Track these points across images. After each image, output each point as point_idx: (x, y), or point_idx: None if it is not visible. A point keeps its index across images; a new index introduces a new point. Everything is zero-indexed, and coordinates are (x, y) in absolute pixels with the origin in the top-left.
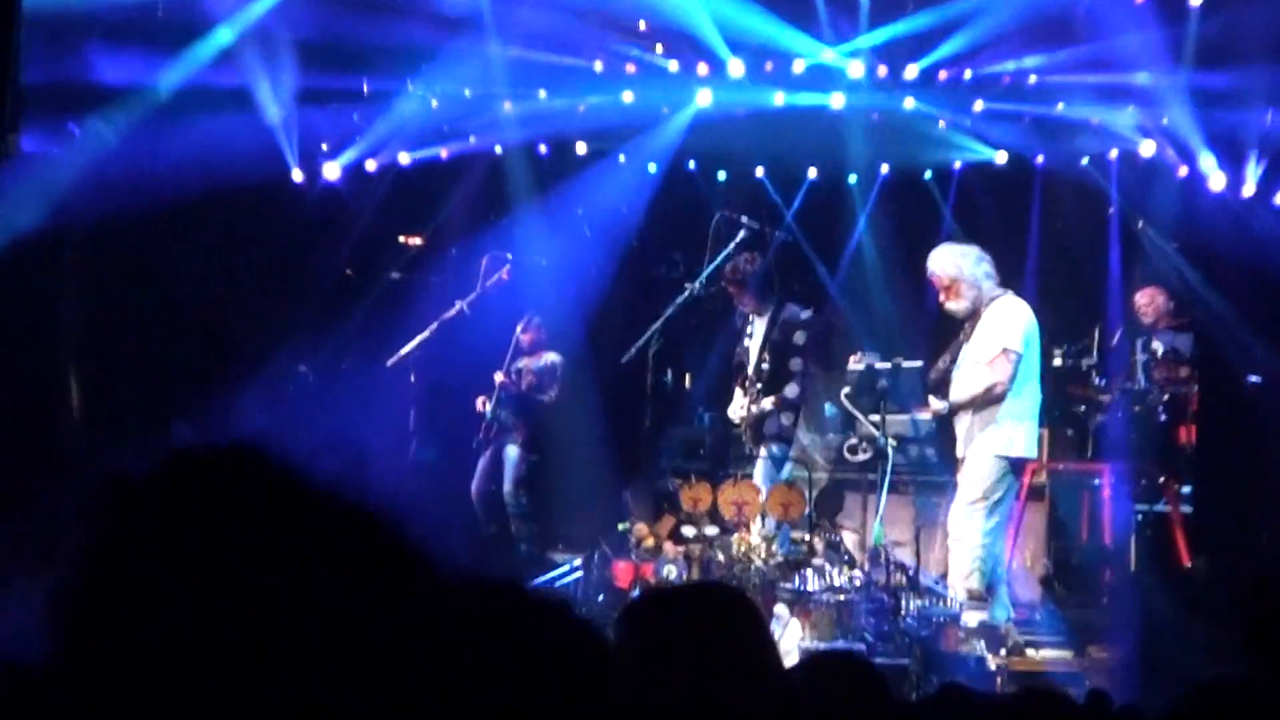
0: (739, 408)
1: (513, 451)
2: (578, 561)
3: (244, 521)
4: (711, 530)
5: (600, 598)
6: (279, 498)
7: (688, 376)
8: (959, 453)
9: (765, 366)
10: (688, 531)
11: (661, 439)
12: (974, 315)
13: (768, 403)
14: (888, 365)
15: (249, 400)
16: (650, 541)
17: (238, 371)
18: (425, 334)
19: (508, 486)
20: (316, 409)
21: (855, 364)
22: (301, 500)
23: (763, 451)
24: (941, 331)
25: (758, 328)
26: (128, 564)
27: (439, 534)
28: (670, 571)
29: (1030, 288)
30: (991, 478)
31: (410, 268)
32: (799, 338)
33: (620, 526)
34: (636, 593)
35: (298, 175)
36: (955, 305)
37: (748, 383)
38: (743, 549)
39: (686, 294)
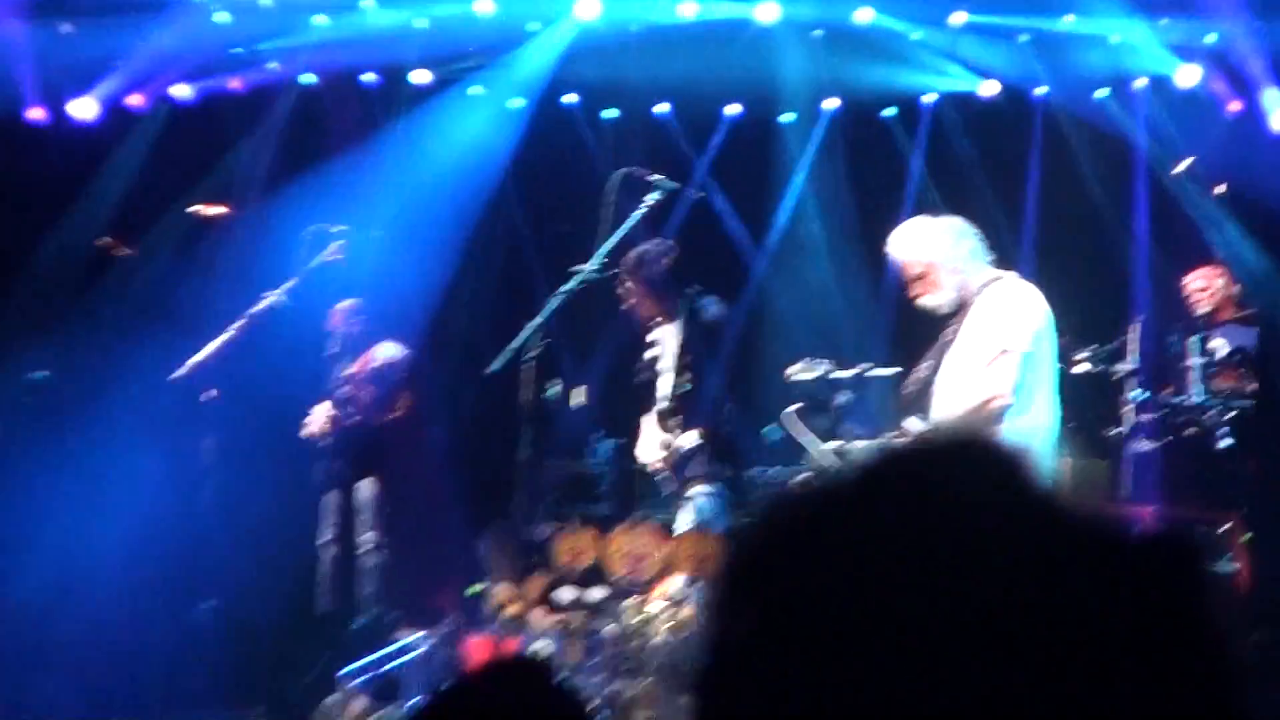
0: (652, 446)
1: (367, 490)
2: (416, 636)
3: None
4: (597, 593)
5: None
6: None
7: (577, 392)
8: None
9: (686, 389)
10: (564, 595)
11: (541, 474)
12: (962, 308)
13: (691, 437)
14: (847, 374)
15: None
16: (514, 608)
17: None
18: (227, 335)
19: (367, 536)
20: (69, 435)
21: (800, 373)
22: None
23: (690, 497)
24: (916, 328)
25: (666, 338)
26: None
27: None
28: (543, 648)
29: (1028, 266)
30: None
31: (194, 244)
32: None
33: (471, 590)
34: None
35: (36, 113)
36: (933, 299)
37: (663, 414)
38: (639, 618)
39: (576, 280)
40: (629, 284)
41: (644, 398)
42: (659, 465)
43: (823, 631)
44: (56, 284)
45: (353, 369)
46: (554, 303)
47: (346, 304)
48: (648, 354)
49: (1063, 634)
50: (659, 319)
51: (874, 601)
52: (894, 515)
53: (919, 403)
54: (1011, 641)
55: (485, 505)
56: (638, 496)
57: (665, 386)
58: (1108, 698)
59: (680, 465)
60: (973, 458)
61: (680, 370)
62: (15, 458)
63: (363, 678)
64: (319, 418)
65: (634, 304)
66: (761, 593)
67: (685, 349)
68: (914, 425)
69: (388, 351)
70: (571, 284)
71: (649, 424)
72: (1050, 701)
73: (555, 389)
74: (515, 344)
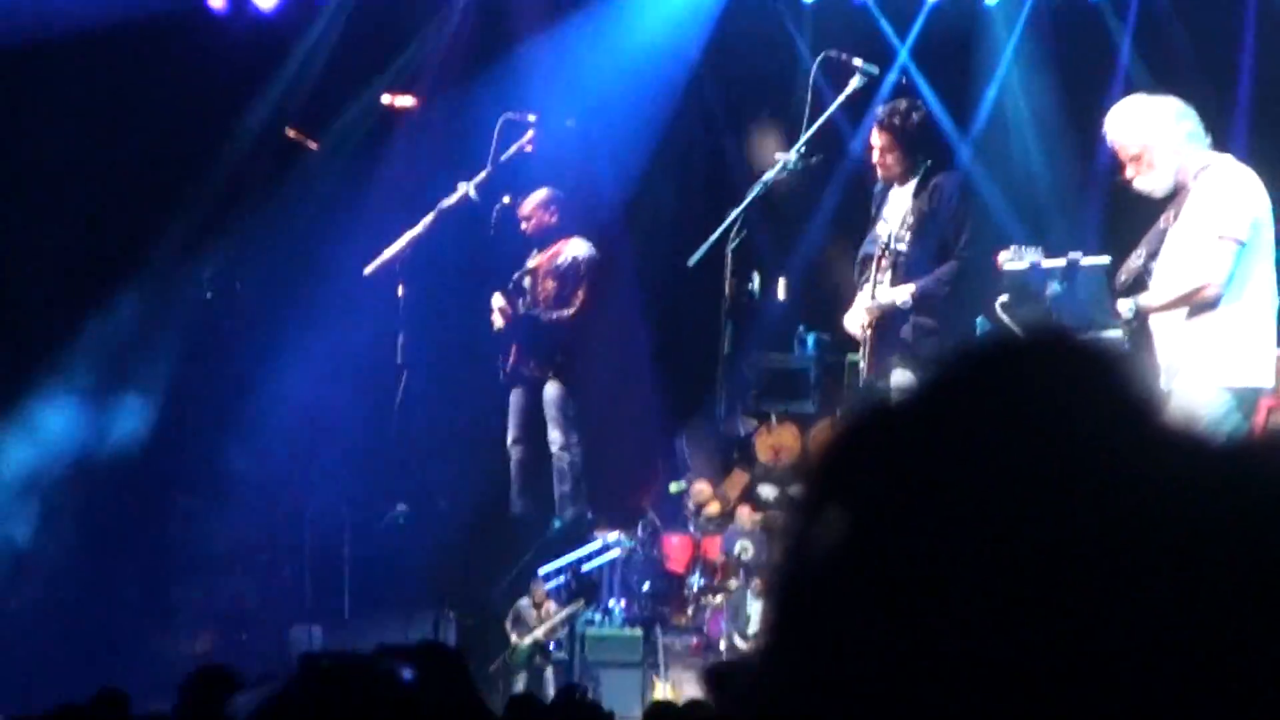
0: (859, 314)
1: (552, 390)
2: (615, 537)
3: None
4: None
5: (646, 586)
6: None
7: (781, 283)
8: (1162, 383)
9: (903, 248)
10: (766, 492)
11: (741, 370)
12: (1178, 193)
13: (901, 293)
14: (1059, 263)
15: (148, 316)
16: (715, 507)
17: (130, 278)
18: (417, 229)
19: (556, 435)
20: (256, 338)
21: (1010, 262)
22: None
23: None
24: (1127, 216)
25: (896, 201)
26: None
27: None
28: (744, 549)
29: (1241, 153)
30: (1211, 416)
31: (380, 133)
32: (957, 210)
33: (674, 487)
34: (697, 577)
35: (216, 2)
36: (1149, 182)
37: (877, 270)
38: None
39: (779, 167)
40: (880, 136)
41: (863, 268)
42: (863, 330)
43: (914, 552)
44: (245, 176)
45: (538, 260)
46: (755, 192)
47: (539, 195)
48: (877, 227)
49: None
50: (900, 179)
51: (963, 520)
52: (978, 430)
53: (1133, 293)
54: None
55: (686, 402)
56: (845, 389)
57: (885, 243)
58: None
59: (884, 330)
60: (1063, 358)
61: (905, 228)
62: (200, 360)
63: (559, 579)
64: (495, 308)
65: (881, 159)
66: (849, 503)
67: (915, 210)
68: (1124, 306)
69: (575, 249)
70: (772, 173)
71: (862, 293)
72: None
73: (756, 282)
74: (715, 236)
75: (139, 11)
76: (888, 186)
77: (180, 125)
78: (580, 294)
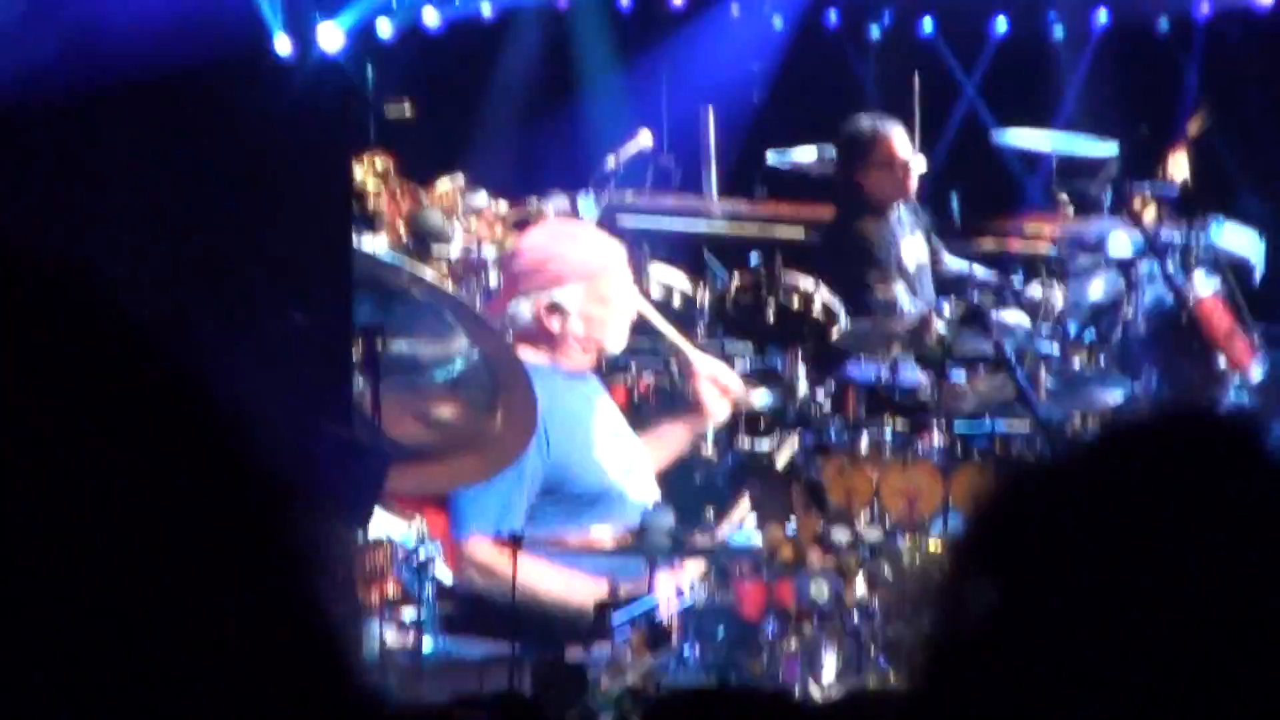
0: None
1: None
2: (688, 582)
3: None
4: (873, 533)
5: (720, 632)
6: None
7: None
8: None
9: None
10: (839, 536)
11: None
12: None
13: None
14: None
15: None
16: (788, 551)
17: (214, 319)
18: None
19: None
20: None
21: None
22: None
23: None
24: None
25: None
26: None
27: None
28: (819, 591)
29: None
30: None
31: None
32: None
33: (745, 531)
34: (771, 623)
35: (283, 45)
36: None
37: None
38: (918, 558)
39: None
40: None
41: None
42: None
43: (1064, 620)
44: (309, 221)
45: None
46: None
47: None
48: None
49: None
50: None
51: (1112, 593)
52: (1140, 494)
53: None
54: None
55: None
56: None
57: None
58: None
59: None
60: (1211, 434)
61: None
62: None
63: (634, 625)
64: None
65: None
66: (1003, 569)
67: None
68: None
69: None
70: None
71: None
72: None
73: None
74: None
75: (194, 58)
76: None
77: (252, 171)
78: None
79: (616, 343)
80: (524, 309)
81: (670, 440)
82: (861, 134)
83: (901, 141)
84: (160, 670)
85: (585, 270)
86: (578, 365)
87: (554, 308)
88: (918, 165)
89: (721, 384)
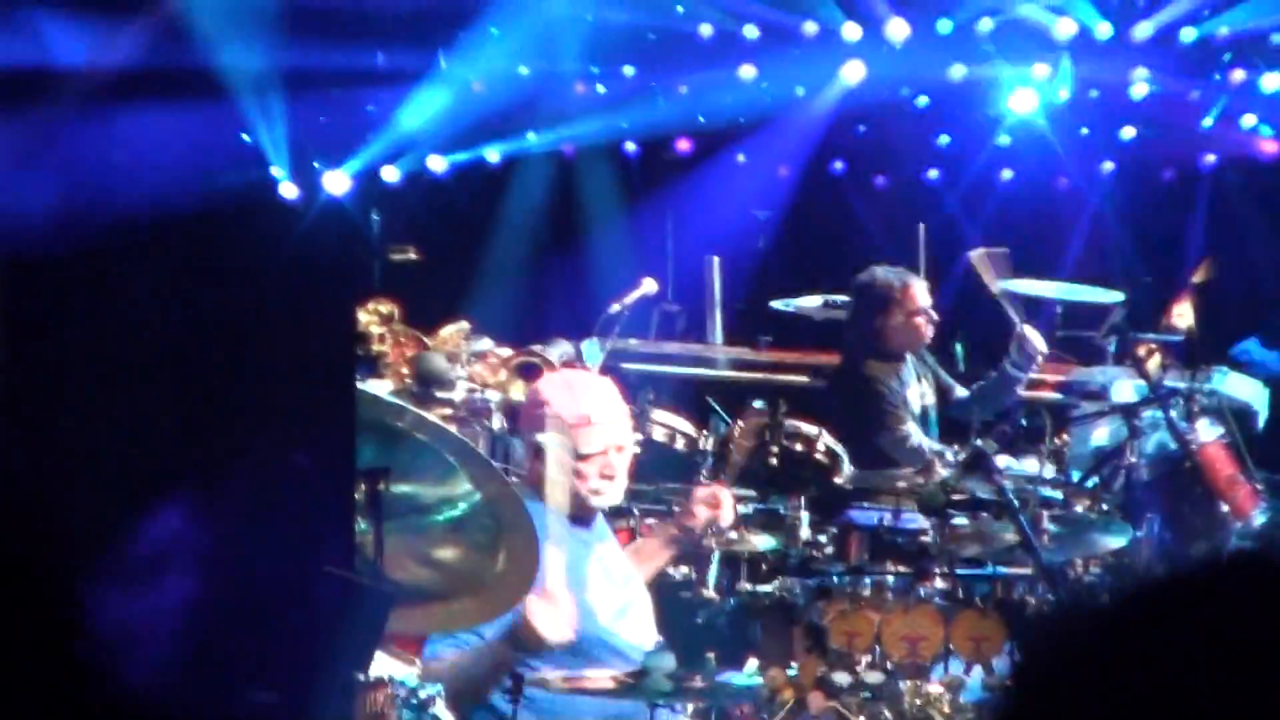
0: None
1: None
2: None
3: None
4: (874, 676)
5: None
6: None
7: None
8: None
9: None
10: (840, 679)
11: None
12: None
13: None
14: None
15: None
16: (789, 694)
17: (213, 463)
18: None
19: None
20: (332, 527)
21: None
22: None
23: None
24: None
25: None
26: None
27: None
28: None
29: None
30: None
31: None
32: None
33: (746, 674)
34: None
35: (289, 190)
36: None
37: None
38: (919, 701)
39: None
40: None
41: None
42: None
43: None
44: (316, 365)
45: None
46: None
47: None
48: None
49: None
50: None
51: None
52: (1191, 645)
53: None
54: None
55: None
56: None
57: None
58: None
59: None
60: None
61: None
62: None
63: None
64: None
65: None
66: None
67: None
68: None
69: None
70: None
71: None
72: None
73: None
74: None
75: (202, 202)
76: None
77: (260, 314)
78: None
79: (601, 491)
80: (516, 449)
81: (651, 547)
82: (883, 285)
83: (922, 293)
84: None
85: (570, 418)
86: (558, 506)
87: (538, 451)
88: (934, 316)
89: (714, 499)
